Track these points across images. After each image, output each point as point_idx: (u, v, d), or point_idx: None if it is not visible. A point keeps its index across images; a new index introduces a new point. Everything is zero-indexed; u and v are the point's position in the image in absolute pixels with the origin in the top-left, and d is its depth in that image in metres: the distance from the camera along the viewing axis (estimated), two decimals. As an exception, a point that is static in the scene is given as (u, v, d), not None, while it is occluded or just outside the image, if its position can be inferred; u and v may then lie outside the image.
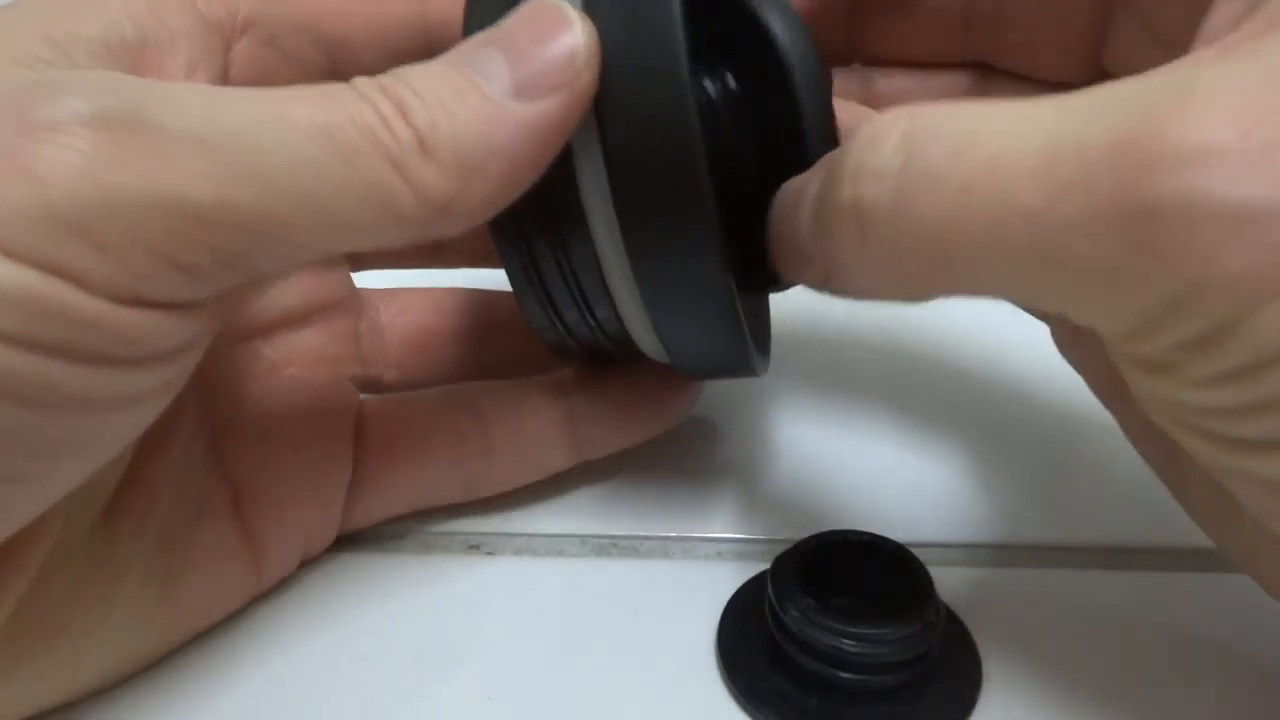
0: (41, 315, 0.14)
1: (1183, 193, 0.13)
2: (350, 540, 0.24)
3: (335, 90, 0.16)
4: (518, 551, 0.24)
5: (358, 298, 0.26)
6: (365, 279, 0.27)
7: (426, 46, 0.21)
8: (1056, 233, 0.14)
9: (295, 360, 0.23)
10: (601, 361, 0.23)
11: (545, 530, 0.24)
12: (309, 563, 0.23)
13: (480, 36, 0.18)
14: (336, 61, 0.21)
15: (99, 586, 0.19)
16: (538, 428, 0.24)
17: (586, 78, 0.18)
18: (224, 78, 0.19)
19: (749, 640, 0.21)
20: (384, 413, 0.24)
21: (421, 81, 0.17)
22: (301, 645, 0.21)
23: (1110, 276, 0.14)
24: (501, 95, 0.17)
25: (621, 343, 0.21)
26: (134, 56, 0.17)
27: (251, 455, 0.22)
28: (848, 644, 0.19)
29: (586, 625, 0.22)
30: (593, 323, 0.21)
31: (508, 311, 0.27)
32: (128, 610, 0.19)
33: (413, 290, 0.27)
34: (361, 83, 0.17)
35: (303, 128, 0.15)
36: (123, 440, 0.17)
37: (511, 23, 0.18)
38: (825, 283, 0.18)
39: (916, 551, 0.21)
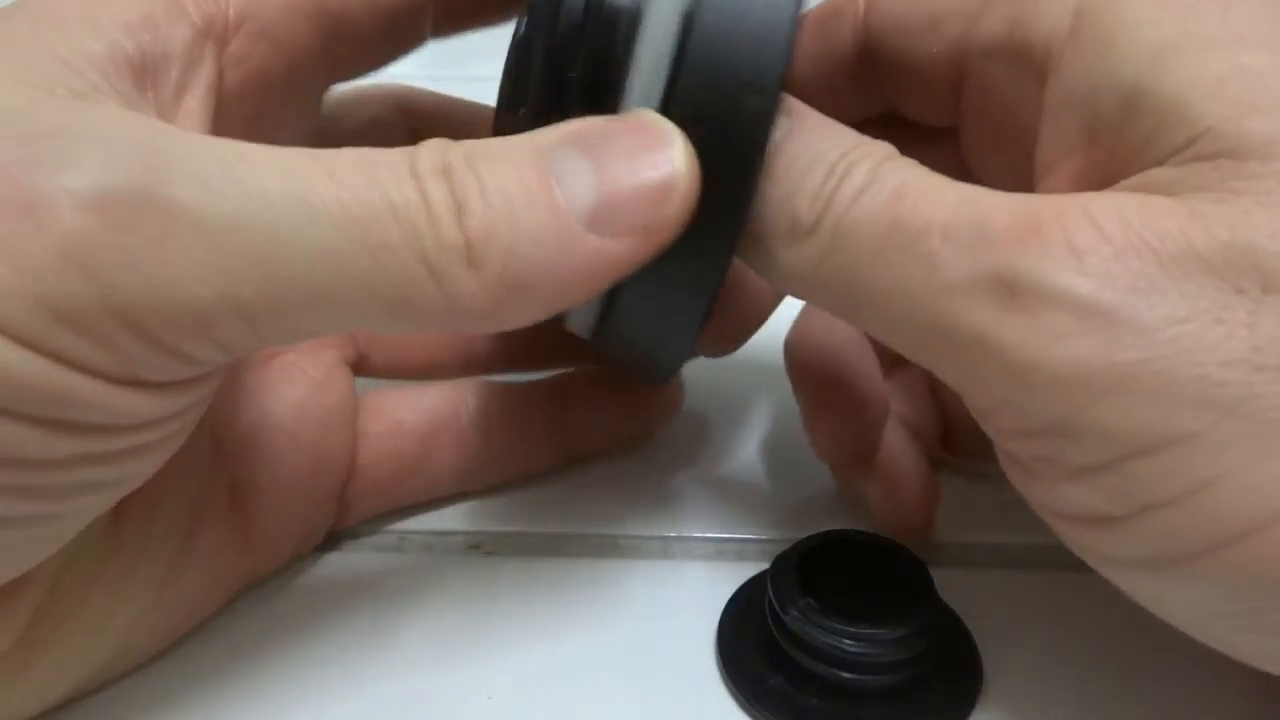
0: (34, 394, 0.14)
1: (1047, 275, 0.15)
2: (351, 540, 0.24)
3: (385, 165, 0.15)
4: (518, 551, 0.24)
5: None
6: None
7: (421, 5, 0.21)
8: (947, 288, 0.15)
9: (292, 347, 0.23)
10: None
11: (545, 530, 0.24)
12: (310, 562, 0.23)
13: (572, 131, 0.16)
14: (330, 39, 0.20)
15: (109, 584, 0.19)
16: (528, 429, 0.24)
17: (674, 224, 0.16)
18: (219, 83, 0.18)
19: (749, 640, 0.21)
20: (382, 407, 0.24)
21: (493, 175, 0.15)
22: (301, 645, 0.21)
23: (975, 341, 0.15)
24: (578, 217, 0.15)
25: None
26: (136, 73, 0.16)
27: (250, 449, 0.22)
28: (847, 644, 0.19)
29: (586, 625, 0.22)
30: None
31: None
32: (133, 606, 0.19)
33: None
34: (424, 159, 0.15)
35: (329, 214, 0.14)
36: (141, 477, 0.17)
37: (611, 130, 0.16)
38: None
39: (917, 551, 0.21)
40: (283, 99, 0.20)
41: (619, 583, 0.23)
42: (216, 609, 0.21)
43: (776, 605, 0.19)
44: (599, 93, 0.17)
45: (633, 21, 0.17)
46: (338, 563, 0.23)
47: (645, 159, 0.16)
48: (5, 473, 0.14)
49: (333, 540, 0.24)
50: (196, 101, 0.17)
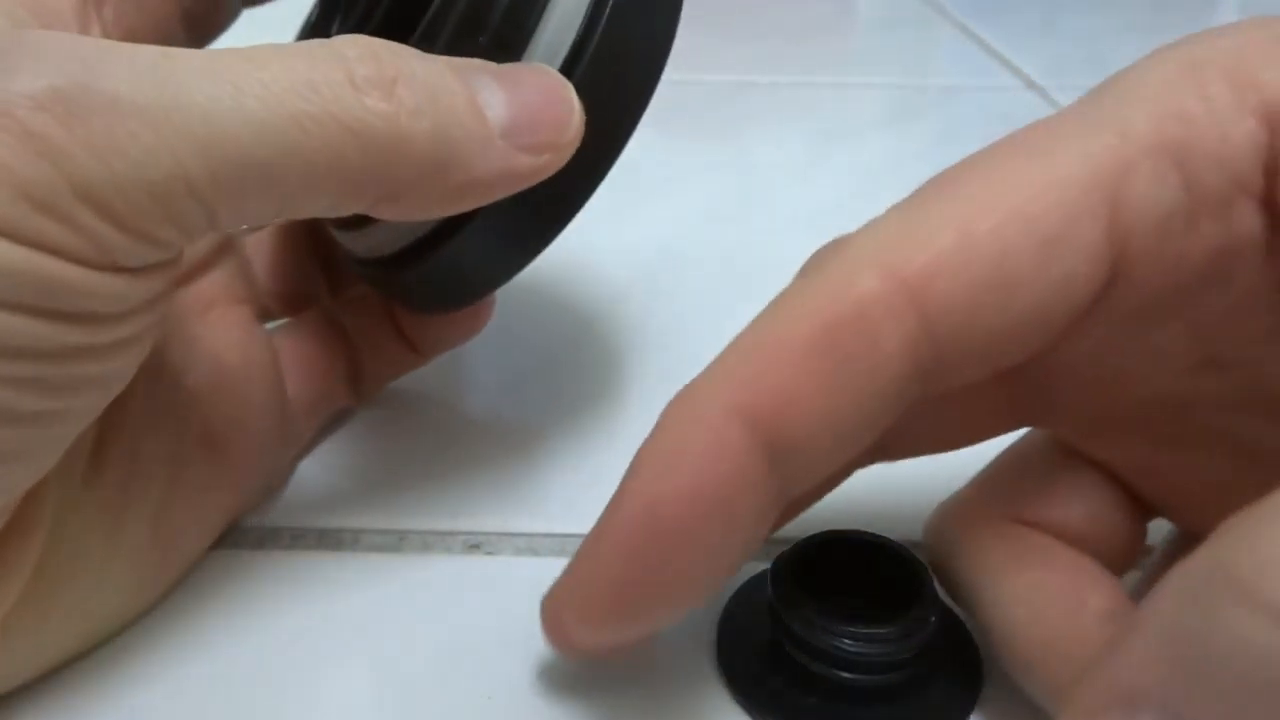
0: (26, 284, 0.15)
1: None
2: (350, 540, 0.24)
3: (304, 51, 0.16)
4: (518, 551, 0.24)
5: (237, 239, 0.27)
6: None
7: None
8: None
9: (217, 299, 0.24)
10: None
11: (545, 530, 0.24)
12: (309, 561, 0.23)
13: (480, 62, 0.18)
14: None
15: (103, 533, 0.20)
16: (387, 334, 0.26)
17: (569, 151, 0.18)
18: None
19: (748, 640, 0.21)
20: (283, 340, 0.25)
21: (421, 68, 0.17)
22: (299, 644, 0.21)
23: None
24: (493, 123, 0.17)
25: None
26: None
27: (214, 391, 0.22)
28: (847, 644, 0.19)
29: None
30: None
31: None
32: (129, 554, 0.20)
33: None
34: (350, 45, 0.16)
35: (254, 92, 0.15)
36: (126, 376, 0.17)
37: (517, 68, 0.18)
38: None
39: (917, 551, 0.21)
40: None
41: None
42: (207, 544, 0.22)
43: (776, 605, 0.19)
44: (503, 53, 0.19)
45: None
46: (336, 562, 0.23)
47: (549, 92, 0.18)
48: (12, 364, 0.15)
49: (333, 540, 0.24)
50: None
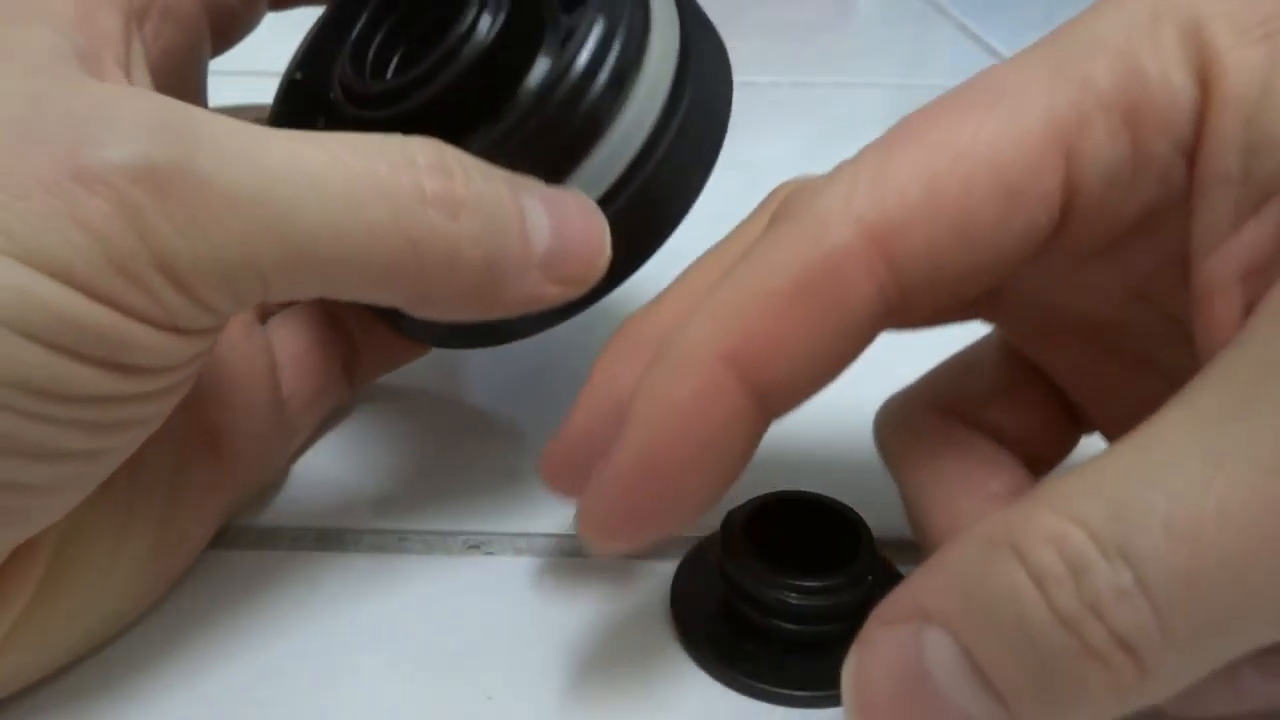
0: (101, 339, 0.16)
1: None
2: (351, 540, 0.24)
3: (381, 154, 0.17)
4: (518, 551, 0.24)
5: None
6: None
7: None
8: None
9: None
10: None
11: (545, 530, 0.24)
12: (310, 561, 0.23)
13: (534, 184, 0.19)
14: (211, 13, 0.22)
15: (109, 540, 0.20)
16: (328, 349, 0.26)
17: (592, 283, 0.20)
18: (144, 61, 0.20)
19: (701, 597, 0.21)
20: (280, 333, 0.25)
21: (487, 191, 0.18)
22: (300, 644, 0.21)
23: None
24: (533, 253, 0.19)
25: None
26: (91, 62, 0.18)
27: (217, 393, 0.23)
28: (790, 597, 0.20)
29: (586, 625, 0.22)
30: None
31: None
32: (133, 548, 0.20)
33: None
34: (422, 154, 0.17)
35: (332, 193, 0.16)
36: (163, 416, 0.18)
37: (564, 197, 0.19)
38: None
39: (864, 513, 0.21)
40: (184, 74, 0.22)
41: (619, 583, 0.23)
42: (206, 543, 0.23)
43: (725, 562, 0.20)
44: (561, 156, 0.20)
45: (612, 116, 0.20)
46: (337, 563, 0.23)
47: (587, 229, 0.19)
48: (70, 408, 0.16)
49: (333, 540, 0.24)
50: (139, 81, 0.19)
